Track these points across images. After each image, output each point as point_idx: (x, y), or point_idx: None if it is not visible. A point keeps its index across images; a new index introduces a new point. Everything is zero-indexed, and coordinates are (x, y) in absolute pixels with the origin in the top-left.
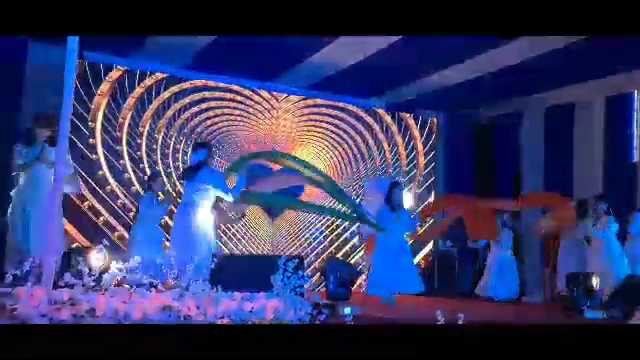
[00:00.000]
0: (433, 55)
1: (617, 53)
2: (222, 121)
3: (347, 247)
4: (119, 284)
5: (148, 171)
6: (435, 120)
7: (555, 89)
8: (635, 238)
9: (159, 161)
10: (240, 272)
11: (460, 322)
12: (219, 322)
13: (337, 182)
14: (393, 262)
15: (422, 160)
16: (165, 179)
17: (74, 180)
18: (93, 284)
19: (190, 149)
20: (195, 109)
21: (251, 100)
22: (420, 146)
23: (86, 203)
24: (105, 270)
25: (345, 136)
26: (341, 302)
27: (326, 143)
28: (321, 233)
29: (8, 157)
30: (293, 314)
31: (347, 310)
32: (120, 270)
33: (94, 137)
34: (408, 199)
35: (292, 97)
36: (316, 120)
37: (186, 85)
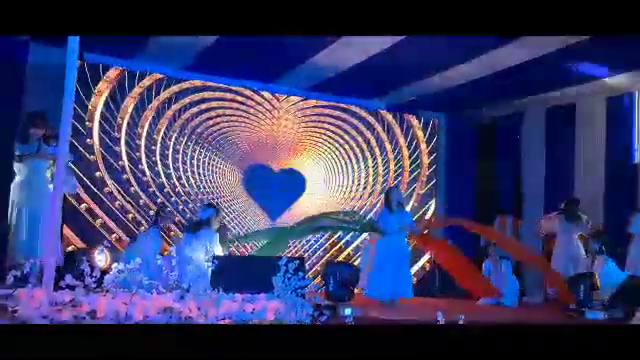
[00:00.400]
0: (434, 56)
1: (619, 53)
2: (223, 122)
3: (349, 249)
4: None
5: (147, 172)
6: (436, 121)
7: (556, 90)
8: (637, 238)
9: (158, 162)
10: (241, 273)
11: (461, 322)
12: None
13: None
14: (393, 266)
15: (426, 160)
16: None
17: (69, 179)
18: (94, 285)
19: (200, 207)
20: (195, 109)
21: (252, 100)
22: (424, 146)
23: (83, 205)
24: (106, 271)
25: (347, 137)
26: (342, 303)
27: (327, 144)
28: (322, 235)
29: (9, 157)
30: (294, 315)
31: (348, 311)
32: (121, 272)
33: (91, 137)
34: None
35: (293, 97)
36: (317, 121)
37: (186, 85)
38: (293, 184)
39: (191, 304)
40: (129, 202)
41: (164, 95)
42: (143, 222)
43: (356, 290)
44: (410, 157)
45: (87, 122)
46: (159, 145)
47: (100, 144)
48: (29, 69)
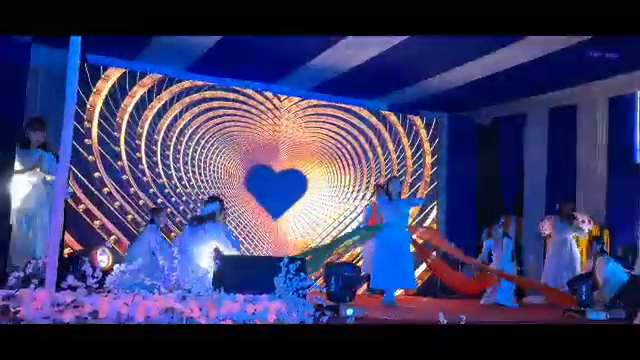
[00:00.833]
0: (436, 56)
1: (619, 54)
2: (224, 122)
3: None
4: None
5: (148, 172)
6: (439, 121)
7: (558, 90)
8: None
9: (159, 162)
10: (242, 274)
11: (462, 323)
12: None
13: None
14: (393, 256)
15: (429, 160)
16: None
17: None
18: (96, 286)
19: (204, 201)
20: (196, 109)
21: (253, 100)
22: (427, 145)
23: (81, 206)
24: (108, 271)
25: (349, 137)
26: (343, 304)
27: (329, 144)
28: (324, 236)
29: (11, 159)
30: (295, 316)
31: (349, 312)
32: (123, 272)
33: (90, 137)
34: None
35: (295, 97)
36: (319, 120)
37: (187, 85)
38: (294, 184)
39: (193, 305)
40: (129, 203)
41: (165, 95)
42: (143, 223)
43: (359, 291)
44: (413, 157)
45: (86, 122)
46: (160, 145)
47: (99, 144)
48: (31, 71)
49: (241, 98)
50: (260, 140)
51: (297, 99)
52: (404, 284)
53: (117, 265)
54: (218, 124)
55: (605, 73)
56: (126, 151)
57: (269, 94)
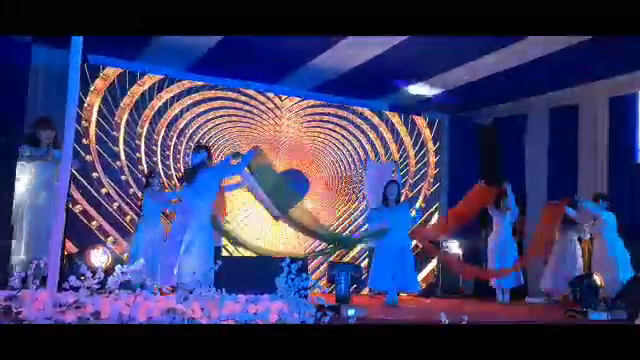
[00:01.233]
0: (437, 57)
1: (621, 54)
2: (224, 122)
3: (354, 251)
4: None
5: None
6: (441, 121)
7: (559, 90)
8: None
9: (159, 163)
10: (244, 274)
11: (464, 323)
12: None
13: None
14: (394, 258)
15: (433, 159)
16: (164, 179)
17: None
18: (98, 287)
19: (191, 151)
20: (196, 109)
21: (254, 100)
22: (430, 144)
23: (78, 206)
24: (108, 271)
25: (351, 137)
26: (344, 304)
27: (331, 144)
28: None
29: (13, 159)
30: (297, 316)
31: (351, 312)
32: (124, 273)
33: (87, 137)
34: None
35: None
36: (321, 120)
37: (187, 85)
38: (295, 184)
39: (194, 305)
40: (127, 204)
41: (165, 94)
42: None
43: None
44: (416, 157)
45: (83, 121)
46: (160, 145)
47: (97, 143)
48: (31, 71)
49: (242, 98)
50: (261, 140)
51: (298, 98)
52: (407, 287)
53: (118, 266)
54: (219, 124)
55: (606, 73)
56: (125, 151)
57: (270, 94)
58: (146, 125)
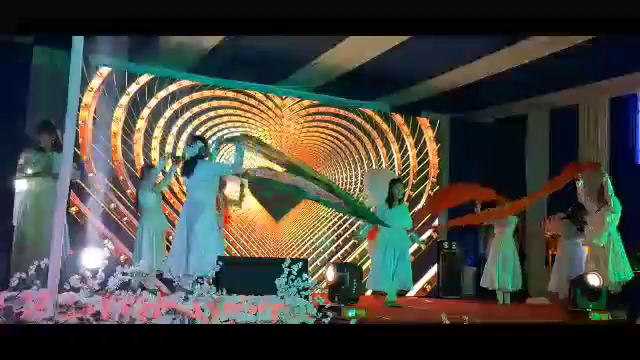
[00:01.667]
0: (438, 57)
1: (620, 54)
2: (224, 122)
3: (356, 253)
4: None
5: None
6: (442, 121)
7: (559, 91)
8: None
9: (157, 163)
10: (244, 275)
11: (465, 323)
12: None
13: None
14: (394, 258)
15: (435, 160)
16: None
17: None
18: (98, 287)
19: (185, 143)
20: (196, 109)
21: (254, 99)
22: (432, 145)
23: (73, 208)
24: (109, 271)
25: (352, 137)
26: (345, 305)
27: (332, 144)
28: (327, 238)
29: (14, 160)
30: (297, 317)
31: (351, 313)
32: (124, 274)
33: (84, 136)
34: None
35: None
36: (322, 120)
37: (186, 84)
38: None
39: (195, 306)
40: (124, 204)
41: (163, 94)
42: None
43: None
44: (418, 157)
45: (81, 122)
46: (159, 145)
47: (93, 142)
48: (33, 72)
49: (242, 97)
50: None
51: (299, 98)
52: (402, 284)
53: (118, 267)
54: (219, 124)
55: (606, 74)
56: (123, 148)
57: (270, 93)
58: (145, 125)
